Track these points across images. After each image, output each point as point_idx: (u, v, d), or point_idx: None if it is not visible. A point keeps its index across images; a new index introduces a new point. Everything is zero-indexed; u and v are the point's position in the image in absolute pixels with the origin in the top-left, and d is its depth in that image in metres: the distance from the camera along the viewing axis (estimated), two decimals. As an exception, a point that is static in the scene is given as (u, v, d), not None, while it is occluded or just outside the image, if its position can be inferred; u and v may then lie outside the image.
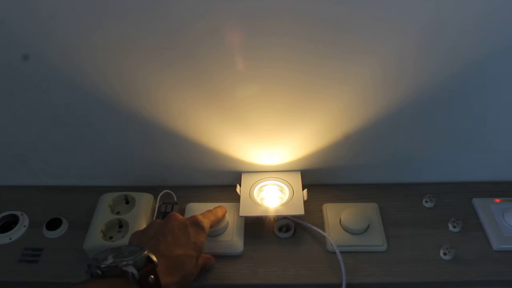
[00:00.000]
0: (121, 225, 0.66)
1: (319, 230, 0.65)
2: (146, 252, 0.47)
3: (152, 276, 0.46)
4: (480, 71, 0.56)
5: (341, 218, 0.66)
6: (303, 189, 0.68)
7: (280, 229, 0.67)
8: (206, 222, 0.58)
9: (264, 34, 0.51)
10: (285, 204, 0.66)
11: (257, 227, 0.67)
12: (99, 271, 0.45)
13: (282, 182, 0.69)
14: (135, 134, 0.66)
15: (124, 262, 0.45)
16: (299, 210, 0.64)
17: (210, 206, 0.68)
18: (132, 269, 0.45)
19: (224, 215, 0.65)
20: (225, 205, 0.69)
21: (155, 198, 0.70)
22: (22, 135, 0.68)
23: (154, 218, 0.68)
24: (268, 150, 0.68)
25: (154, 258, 0.47)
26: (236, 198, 0.68)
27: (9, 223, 0.69)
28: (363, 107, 0.61)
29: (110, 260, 0.45)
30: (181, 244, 0.53)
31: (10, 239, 0.67)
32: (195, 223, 0.57)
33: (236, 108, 0.61)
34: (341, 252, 0.61)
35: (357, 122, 0.63)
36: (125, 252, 0.47)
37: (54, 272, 0.63)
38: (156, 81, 0.57)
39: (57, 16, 0.50)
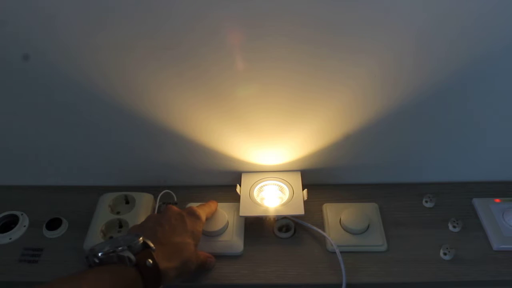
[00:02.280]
0: (121, 225, 0.66)
1: (319, 230, 0.65)
2: (141, 238, 0.48)
3: (150, 260, 0.46)
4: (480, 71, 0.56)
5: (341, 218, 0.66)
6: (303, 189, 0.68)
7: (280, 229, 0.67)
8: (202, 212, 0.60)
9: (264, 34, 0.51)
10: (285, 204, 0.66)
11: (257, 227, 0.67)
12: (96, 260, 0.46)
13: (282, 182, 0.69)
14: (135, 134, 0.66)
15: (120, 248, 0.46)
16: (299, 210, 0.64)
17: (210, 206, 0.69)
18: (128, 254, 0.46)
19: (216, 209, 0.67)
20: (225, 205, 0.69)
21: (155, 198, 0.70)
22: (22, 135, 0.68)
23: (154, 218, 0.68)
24: (268, 150, 0.68)
25: (151, 244, 0.48)
26: (236, 198, 0.68)
27: (9, 223, 0.69)
28: (362, 108, 0.61)
29: (106, 248, 0.46)
30: (178, 232, 0.54)
31: (10, 239, 0.67)
32: (191, 212, 0.58)
33: (236, 108, 0.61)
34: (341, 252, 0.61)
35: (357, 122, 0.63)
36: (121, 241, 0.48)
37: (54, 272, 0.63)
38: (157, 82, 0.57)
39: (58, 16, 0.50)
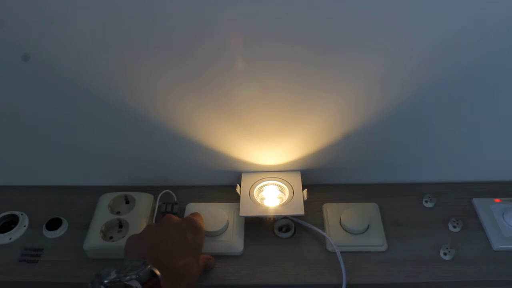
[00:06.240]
0: (121, 225, 0.66)
1: (319, 230, 0.65)
2: (149, 266, 0.47)
3: None
4: (479, 70, 0.56)
5: (341, 218, 0.66)
6: (303, 189, 0.68)
7: (280, 229, 0.67)
8: (202, 223, 0.59)
9: (264, 35, 0.51)
10: (285, 204, 0.66)
11: (257, 227, 0.67)
12: (102, 287, 0.45)
13: (282, 182, 0.69)
14: (135, 134, 0.66)
15: (128, 277, 0.45)
16: (299, 210, 0.64)
17: (210, 206, 0.69)
18: (136, 283, 0.44)
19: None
20: (225, 205, 0.69)
21: (155, 198, 0.70)
22: (23, 135, 0.68)
23: (154, 218, 0.68)
24: (268, 150, 0.68)
25: (158, 272, 0.47)
26: (236, 198, 0.68)
27: (9, 223, 0.69)
28: (363, 107, 0.61)
29: (113, 276, 0.45)
30: (181, 252, 0.53)
31: (10, 239, 0.67)
32: (192, 225, 0.57)
33: (236, 108, 0.61)
34: (341, 252, 0.61)
35: (357, 122, 0.63)
36: (128, 267, 0.47)
37: (54, 272, 0.63)
38: (156, 82, 0.57)
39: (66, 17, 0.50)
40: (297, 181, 0.69)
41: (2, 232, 0.67)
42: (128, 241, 0.55)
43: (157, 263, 0.48)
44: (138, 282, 0.45)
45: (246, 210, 0.65)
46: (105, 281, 0.44)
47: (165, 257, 0.51)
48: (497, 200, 0.69)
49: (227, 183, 0.73)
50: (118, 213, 0.68)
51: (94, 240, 0.63)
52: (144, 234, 0.55)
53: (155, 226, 0.56)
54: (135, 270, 0.46)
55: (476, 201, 0.69)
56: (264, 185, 0.70)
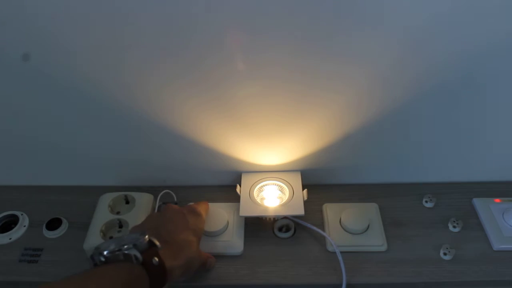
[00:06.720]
0: (121, 225, 0.66)
1: (319, 230, 0.65)
2: (147, 236, 0.47)
3: (156, 258, 0.46)
4: (478, 69, 0.56)
5: (341, 218, 0.66)
6: (303, 189, 0.68)
7: (280, 229, 0.67)
8: (201, 209, 0.61)
9: (264, 34, 0.51)
10: (285, 204, 0.66)
11: (257, 227, 0.67)
12: (102, 258, 0.45)
13: (282, 182, 0.69)
14: (135, 134, 0.66)
15: (126, 246, 0.45)
16: (299, 210, 0.64)
17: (210, 206, 0.68)
18: (135, 252, 0.45)
19: (208, 207, 0.67)
20: (225, 205, 0.69)
21: (155, 198, 0.70)
22: (23, 135, 0.68)
23: (154, 218, 0.68)
24: (268, 150, 0.68)
25: (156, 241, 0.48)
26: (236, 198, 0.68)
27: (9, 223, 0.69)
28: (363, 107, 0.61)
29: (112, 247, 0.46)
30: (181, 230, 0.54)
31: (10, 239, 0.67)
32: (191, 210, 0.59)
33: (236, 108, 0.61)
34: (341, 252, 0.61)
35: (357, 122, 0.63)
36: (127, 239, 0.47)
37: (54, 272, 0.63)
38: (156, 82, 0.57)
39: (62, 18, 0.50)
40: (297, 181, 0.69)
41: (2, 232, 0.67)
42: (131, 229, 0.57)
43: (158, 237, 0.49)
44: (137, 250, 0.45)
45: (246, 210, 0.65)
46: (105, 252, 0.45)
47: (165, 233, 0.52)
48: (497, 200, 0.69)
49: (227, 183, 0.73)
50: (118, 213, 0.68)
51: (94, 240, 0.63)
52: (145, 221, 0.57)
53: (156, 213, 0.59)
54: (134, 240, 0.47)
55: (476, 201, 0.69)
56: (264, 185, 0.70)
